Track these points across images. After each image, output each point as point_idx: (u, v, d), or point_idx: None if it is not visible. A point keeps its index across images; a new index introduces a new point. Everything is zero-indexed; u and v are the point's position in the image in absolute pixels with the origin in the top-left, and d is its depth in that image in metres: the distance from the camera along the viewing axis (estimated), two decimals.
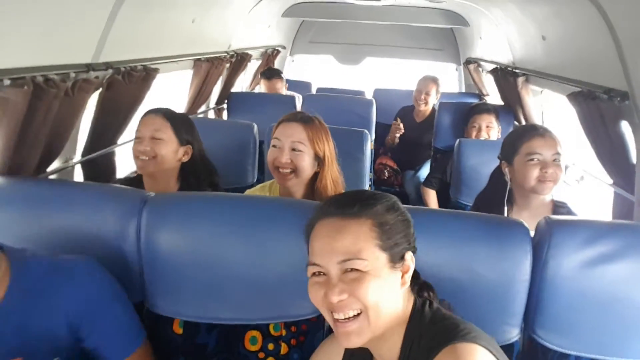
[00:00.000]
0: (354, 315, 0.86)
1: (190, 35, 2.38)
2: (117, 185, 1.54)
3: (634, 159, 1.55)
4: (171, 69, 2.29)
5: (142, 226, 1.20)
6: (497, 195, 1.64)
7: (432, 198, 2.97)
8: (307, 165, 1.53)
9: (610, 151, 1.62)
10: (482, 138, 2.67)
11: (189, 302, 1.20)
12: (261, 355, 1.21)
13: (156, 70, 1.95)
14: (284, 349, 1.20)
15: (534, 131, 1.60)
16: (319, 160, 1.55)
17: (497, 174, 1.74)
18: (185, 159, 1.67)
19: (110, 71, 1.67)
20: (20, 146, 1.31)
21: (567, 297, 1.06)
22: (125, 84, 1.74)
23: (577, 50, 1.81)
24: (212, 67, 2.77)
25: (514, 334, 1.11)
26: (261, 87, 3.81)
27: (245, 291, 1.18)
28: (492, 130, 2.67)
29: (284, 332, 1.20)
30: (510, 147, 1.65)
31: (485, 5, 2.72)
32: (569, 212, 1.63)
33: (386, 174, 3.71)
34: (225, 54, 3.03)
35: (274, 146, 1.55)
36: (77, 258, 1.07)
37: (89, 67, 1.54)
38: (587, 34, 1.62)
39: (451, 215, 1.18)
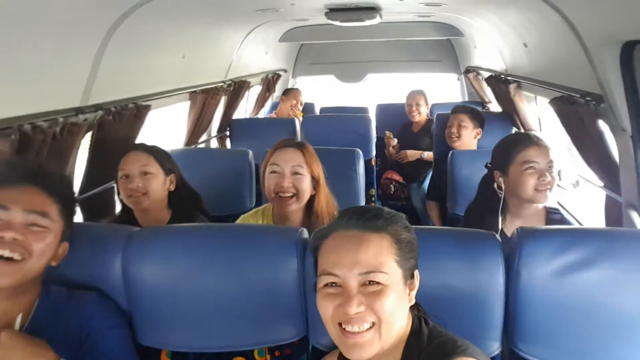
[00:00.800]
0: (367, 329, 0.86)
1: (182, 69, 2.46)
2: (103, 223, 1.60)
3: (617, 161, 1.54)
4: (165, 103, 2.37)
5: (127, 261, 1.23)
6: (489, 205, 1.63)
7: (433, 210, 2.97)
8: (307, 188, 1.58)
9: (594, 154, 1.60)
10: (453, 137, 2.67)
11: (176, 332, 1.23)
12: None
13: (148, 107, 2.03)
14: None
15: (528, 140, 1.59)
16: (314, 183, 1.61)
17: (485, 183, 1.74)
18: (172, 188, 1.75)
19: (100, 112, 1.74)
20: None
21: (543, 306, 1.05)
22: (116, 122, 1.81)
23: (554, 56, 1.81)
24: (209, 98, 2.85)
25: (494, 348, 1.10)
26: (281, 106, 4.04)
27: (229, 319, 1.20)
28: (465, 129, 2.65)
29: (268, 357, 1.22)
30: (504, 156, 1.63)
31: (469, 16, 2.75)
32: (562, 219, 1.62)
33: (392, 189, 3.72)
34: (222, 84, 3.12)
35: (274, 172, 1.58)
36: (88, 292, 1.17)
37: (77, 110, 1.62)
38: (558, 40, 1.63)
39: (422, 232, 1.18)
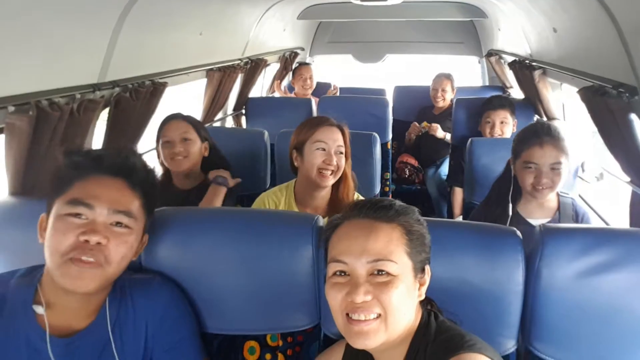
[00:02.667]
0: (373, 318, 0.85)
1: (199, 46, 2.43)
2: None
3: None
4: (181, 81, 2.35)
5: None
6: (505, 189, 1.73)
7: (457, 196, 2.93)
8: (344, 165, 1.70)
9: (623, 148, 1.55)
10: (496, 134, 2.60)
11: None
12: None
13: (164, 84, 2.00)
14: (280, 359, 1.22)
15: (535, 139, 1.64)
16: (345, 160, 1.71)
17: (508, 169, 1.80)
18: (206, 153, 1.98)
19: (117, 89, 1.73)
20: (30, 168, 1.38)
21: (562, 307, 1.03)
22: (133, 100, 1.80)
23: (586, 43, 1.73)
24: (225, 76, 2.81)
25: (509, 346, 1.08)
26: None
27: (243, 303, 1.21)
28: (506, 126, 2.60)
29: (280, 343, 1.22)
30: (514, 148, 1.73)
31: None
32: (573, 202, 1.73)
33: (407, 172, 3.68)
34: (239, 62, 3.07)
35: (321, 149, 1.66)
36: (150, 275, 1.15)
37: (94, 87, 1.60)
38: (592, 26, 1.55)
39: (442, 224, 1.16)
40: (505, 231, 1.09)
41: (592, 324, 1.02)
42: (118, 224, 0.99)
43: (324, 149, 1.66)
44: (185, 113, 2.03)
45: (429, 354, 0.86)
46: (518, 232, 1.08)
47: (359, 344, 0.87)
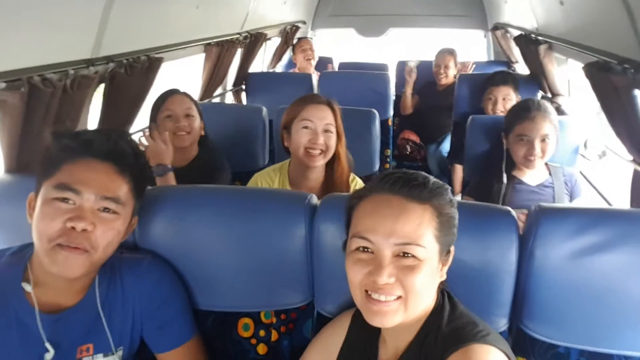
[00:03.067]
0: (394, 299, 0.84)
1: (197, 20, 2.38)
2: None
3: None
4: (178, 56, 2.31)
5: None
6: (499, 162, 1.91)
7: (457, 174, 2.92)
8: (334, 145, 1.63)
9: (627, 126, 1.51)
10: (498, 111, 2.56)
11: (186, 290, 1.23)
12: (253, 341, 1.24)
13: (160, 60, 1.97)
14: (274, 335, 1.23)
15: (525, 113, 1.84)
16: (337, 141, 1.65)
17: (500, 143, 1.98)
18: (203, 132, 1.98)
19: (111, 65, 1.70)
20: (24, 145, 1.37)
21: (555, 288, 1.02)
22: (128, 75, 1.77)
23: (593, 17, 1.68)
24: (224, 51, 2.77)
25: (501, 324, 1.08)
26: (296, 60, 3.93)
27: (237, 280, 1.21)
28: (509, 103, 2.55)
29: (274, 320, 1.23)
30: (507, 123, 1.92)
31: None
32: (562, 168, 1.91)
33: (409, 149, 3.66)
34: (238, 36, 3.02)
35: (307, 127, 1.60)
36: (141, 254, 1.15)
37: (88, 62, 1.57)
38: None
39: None
40: (500, 211, 1.08)
41: (583, 304, 1.02)
42: (105, 209, 0.98)
43: (309, 128, 1.60)
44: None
45: (439, 340, 0.85)
46: (513, 212, 1.07)
47: (375, 323, 0.86)
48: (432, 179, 0.89)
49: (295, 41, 4.16)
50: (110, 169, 0.99)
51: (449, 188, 0.91)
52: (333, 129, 1.62)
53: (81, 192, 0.96)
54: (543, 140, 1.81)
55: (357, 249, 0.87)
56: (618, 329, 1.01)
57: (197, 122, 1.94)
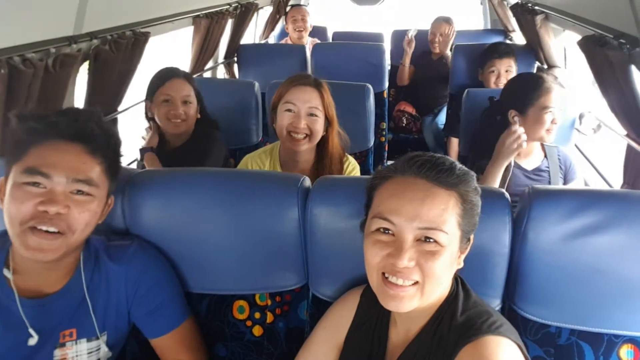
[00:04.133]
0: (411, 284, 0.83)
1: None
2: None
3: None
4: (166, 29, 2.24)
5: (126, 204, 1.22)
6: (491, 142, 1.73)
7: (453, 147, 2.89)
8: (320, 129, 1.57)
9: (621, 101, 1.49)
10: (501, 84, 2.51)
11: (178, 273, 1.24)
12: (248, 323, 1.25)
13: (147, 34, 1.91)
14: (269, 317, 1.24)
15: (549, 86, 1.72)
16: (327, 124, 1.60)
17: (488, 117, 1.92)
18: (199, 115, 1.93)
19: (95, 41, 1.64)
20: (6, 129, 1.33)
21: (547, 269, 1.02)
22: (113, 52, 1.72)
23: None
24: (213, 23, 2.69)
25: (494, 305, 1.08)
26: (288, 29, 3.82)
27: (230, 263, 1.21)
28: (510, 75, 2.51)
29: (269, 302, 1.24)
30: (524, 98, 1.76)
31: None
32: (557, 149, 1.84)
33: (404, 121, 3.63)
34: (228, 7, 2.92)
35: (289, 110, 1.55)
36: (127, 240, 1.14)
37: (70, 39, 1.52)
38: None
39: None
40: (493, 193, 1.07)
41: (575, 284, 1.02)
42: (79, 192, 0.96)
43: (292, 111, 1.56)
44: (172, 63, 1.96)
45: (453, 329, 0.84)
46: (507, 194, 1.06)
47: (391, 307, 0.85)
48: (458, 165, 0.88)
49: (289, 8, 4.04)
50: (80, 150, 0.96)
51: (474, 176, 0.89)
52: (319, 112, 1.56)
53: (51, 176, 0.93)
54: (558, 112, 1.72)
55: (378, 229, 0.85)
56: (608, 309, 1.02)
57: (193, 109, 1.88)
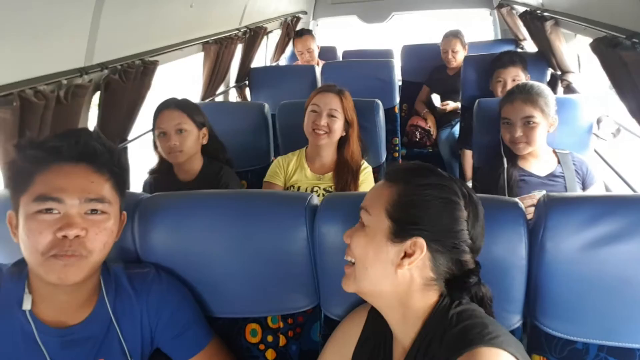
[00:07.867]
0: (352, 263, 0.92)
1: (192, 19, 2.34)
2: None
3: None
4: (176, 57, 2.28)
5: (135, 228, 1.21)
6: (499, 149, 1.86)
7: (468, 159, 2.85)
8: (339, 128, 1.88)
9: (639, 103, 1.44)
10: None
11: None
12: (261, 347, 1.22)
13: (155, 63, 1.94)
14: (282, 340, 1.21)
15: (508, 97, 1.82)
16: (347, 125, 1.90)
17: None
18: (205, 141, 1.89)
19: (105, 71, 1.68)
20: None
21: (568, 281, 0.97)
22: (123, 81, 1.75)
23: None
24: (223, 48, 2.73)
25: (514, 321, 1.04)
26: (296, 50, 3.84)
27: (241, 286, 1.19)
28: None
29: (281, 325, 1.21)
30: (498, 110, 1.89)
31: None
32: (572, 155, 1.82)
33: (418, 136, 3.60)
34: (237, 32, 2.97)
35: (314, 111, 1.88)
36: (145, 268, 1.13)
37: (81, 71, 1.55)
38: None
39: None
40: (507, 203, 1.03)
41: (599, 296, 0.97)
42: (93, 211, 0.95)
43: (316, 111, 1.86)
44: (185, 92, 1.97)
45: (445, 341, 0.81)
46: (521, 204, 1.02)
47: (342, 284, 0.95)
48: (429, 166, 0.91)
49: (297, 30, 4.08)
50: (86, 170, 0.96)
51: (444, 177, 0.89)
52: (338, 114, 1.86)
53: (63, 199, 0.92)
54: (526, 124, 1.75)
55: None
56: (633, 320, 0.96)
57: (191, 137, 1.81)
